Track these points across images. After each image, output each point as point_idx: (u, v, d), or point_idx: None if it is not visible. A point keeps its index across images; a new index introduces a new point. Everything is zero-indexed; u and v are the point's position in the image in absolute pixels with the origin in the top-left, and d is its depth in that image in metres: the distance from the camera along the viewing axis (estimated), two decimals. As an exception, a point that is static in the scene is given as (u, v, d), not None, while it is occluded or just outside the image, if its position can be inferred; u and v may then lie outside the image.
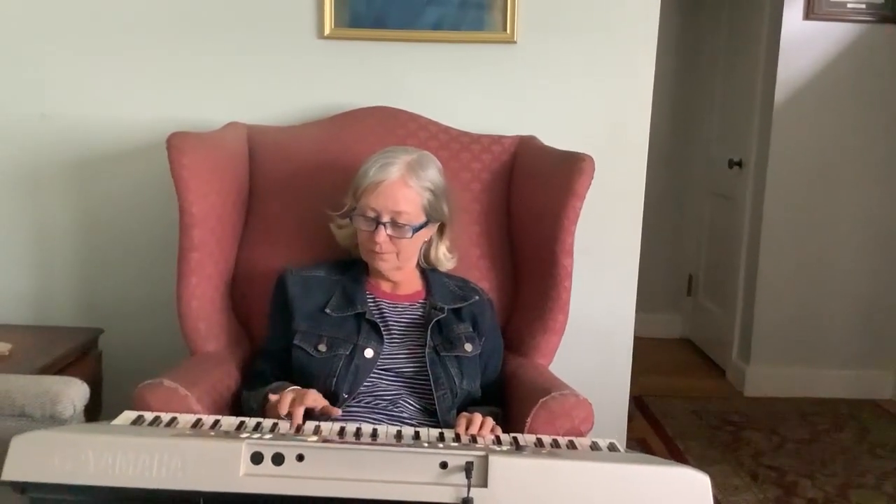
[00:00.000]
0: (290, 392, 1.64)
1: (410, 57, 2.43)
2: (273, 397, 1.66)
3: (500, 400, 1.94)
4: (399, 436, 1.51)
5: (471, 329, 1.91)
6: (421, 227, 1.87)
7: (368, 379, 1.79)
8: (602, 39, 2.43)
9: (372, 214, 1.83)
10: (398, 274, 1.91)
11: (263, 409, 1.71)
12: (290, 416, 1.58)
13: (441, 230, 1.98)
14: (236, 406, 1.87)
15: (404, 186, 1.83)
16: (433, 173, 1.90)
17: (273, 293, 1.92)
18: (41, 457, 1.26)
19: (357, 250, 1.94)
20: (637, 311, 2.56)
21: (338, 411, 1.66)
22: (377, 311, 1.88)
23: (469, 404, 1.83)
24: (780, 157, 3.76)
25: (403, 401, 1.79)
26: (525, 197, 2.19)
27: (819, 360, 3.89)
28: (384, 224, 1.82)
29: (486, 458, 1.27)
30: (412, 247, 1.89)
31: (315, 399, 1.63)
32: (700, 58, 4.58)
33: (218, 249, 2.02)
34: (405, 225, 1.83)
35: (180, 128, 2.00)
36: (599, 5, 2.42)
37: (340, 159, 2.14)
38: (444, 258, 2.00)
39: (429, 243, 1.97)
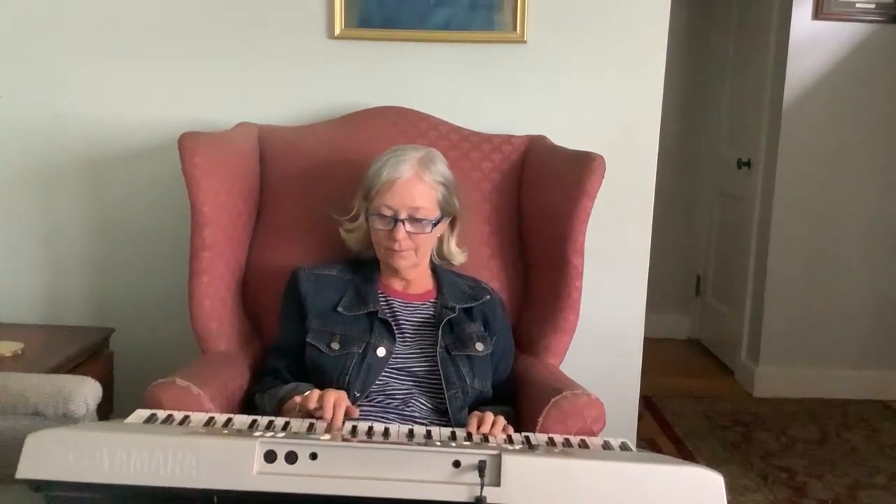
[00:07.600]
0: (332, 393, 1.60)
1: (421, 57, 2.43)
2: (299, 398, 1.63)
3: (511, 399, 1.94)
4: (411, 434, 1.51)
5: (482, 328, 1.91)
6: (438, 222, 1.88)
7: (380, 378, 1.79)
8: (612, 40, 2.43)
9: (389, 213, 1.83)
10: (414, 272, 1.91)
11: (279, 411, 1.70)
12: (319, 411, 1.56)
13: (451, 225, 1.98)
14: (248, 405, 1.87)
15: (420, 182, 1.84)
16: (442, 167, 1.91)
17: (285, 290, 1.93)
18: (56, 455, 1.26)
19: (368, 252, 1.95)
20: (645, 312, 2.56)
21: (356, 410, 1.63)
22: (389, 311, 1.88)
23: (480, 404, 1.83)
24: (788, 157, 3.75)
25: (415, 400, 1.79)
26: (536, 196, 2.19)
27: (828, 360, 3.88)
28: (402, 221, 1.82)
29: (499, 457, 1.27)
30: (429, 242, 1.90)
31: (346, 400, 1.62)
32: (709, 58, 4.57)
33: (229, 249, 2.03)
34: (423, 220, 1.84)
35: (192, 128, 2.01)
36: (609, 6, 2.42)
37: (351, 159, 2.14)
38: (456, 252, 2.00)
39: (440, 239, 1.97)
